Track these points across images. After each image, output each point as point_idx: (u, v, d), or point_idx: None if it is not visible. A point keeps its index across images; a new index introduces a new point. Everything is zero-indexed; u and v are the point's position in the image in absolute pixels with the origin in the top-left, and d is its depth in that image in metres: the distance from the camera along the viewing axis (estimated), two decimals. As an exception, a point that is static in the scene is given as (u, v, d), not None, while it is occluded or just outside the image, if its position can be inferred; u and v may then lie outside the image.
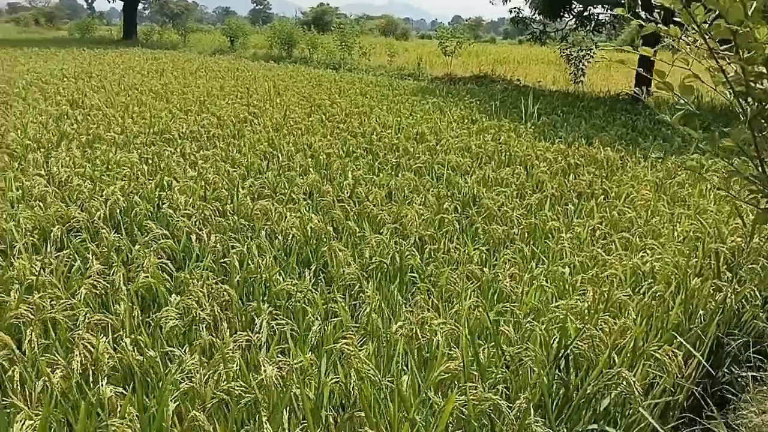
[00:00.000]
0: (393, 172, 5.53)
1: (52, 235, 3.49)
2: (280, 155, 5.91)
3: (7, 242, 3.40)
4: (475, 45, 28.88)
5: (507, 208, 4.42)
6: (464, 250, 3.64)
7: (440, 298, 3.06)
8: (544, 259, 3.61)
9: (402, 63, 19.10)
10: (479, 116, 8.92)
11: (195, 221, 3.91)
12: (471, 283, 3.14)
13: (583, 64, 13.98)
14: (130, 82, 11.42)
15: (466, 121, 8.59)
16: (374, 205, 4.37)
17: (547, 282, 3.07)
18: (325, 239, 3.78)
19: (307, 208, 4.38)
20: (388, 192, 4.91)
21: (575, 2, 13.71)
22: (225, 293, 2.98)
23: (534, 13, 14.29)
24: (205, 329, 2.68)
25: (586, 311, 2.69)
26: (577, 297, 2.87)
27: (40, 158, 5.24)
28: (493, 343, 2.43)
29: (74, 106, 8.40)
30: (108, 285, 2.96)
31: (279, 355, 2.38)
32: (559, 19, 14.23)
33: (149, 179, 4.83)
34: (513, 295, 2.96)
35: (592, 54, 13.93)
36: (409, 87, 13.14)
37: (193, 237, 3.60)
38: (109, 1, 31.23)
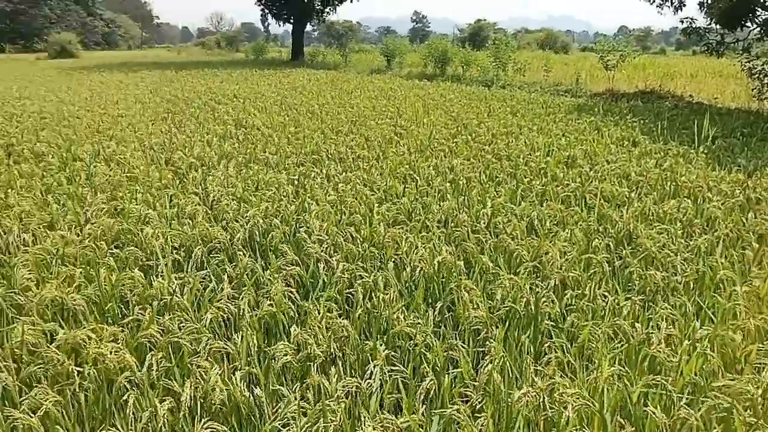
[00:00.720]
0: (537, 201, 5.13)
1: (194, 254, 3.67)
2: (419, 179, 5.79)
3: (153, 259, 3.63)
4: (642, 57, 26.79)
5: (669, 250, 3.84)
6: (613, 299, 3.19)
7: (578, 356, 2.68)
8: (711, 317, 3.04)
9: (559, 78, 18.23)
10: (642, 138, 8.10)
11: (326, 247, 3.90)
12: (617, 343, 2.71)
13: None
14: (290, 102, 12.13)
15: (626, 143, 7.83)
16: (512, 239, 4.05)
17: (712, 349, 2.55)
18: (455, 274, 3.55)
19: (440, 238, 4.18)
20: (530, 223, 4.54)
21: (760, 9, 12.00)
22: (344, 329, 2.89)
23: (710, 23, 12.78)
24: (317, 368, 2.59)
25: (760, 399, 2.15)
26: (751, 376, 2.32)
27: (200, 177, 5.65)
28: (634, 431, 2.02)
29: (238, 125, 9.06)
30: (234, 310, 3.01)
31: (384, 411, 2.19)
32: (739, 29, 12.57)
33: (292, 200, 4.96)
34: (667, 362, 2.49)
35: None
36: (564, 104, 12.44)
37: (322, 264, 3.57)
38: (279, 25, 33.87)
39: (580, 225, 4.47)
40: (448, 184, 5.57)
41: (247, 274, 3.48)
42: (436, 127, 8.92)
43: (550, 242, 4.00)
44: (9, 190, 4.93)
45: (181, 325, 2.82)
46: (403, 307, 3.22)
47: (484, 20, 57.15)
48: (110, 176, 5.51)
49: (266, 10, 33.61)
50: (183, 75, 20.37)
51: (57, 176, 5.50)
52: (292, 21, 33.62)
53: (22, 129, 8.14)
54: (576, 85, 16.30)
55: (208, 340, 2.69)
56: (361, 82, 18.03)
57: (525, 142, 7.56)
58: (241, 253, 3.76)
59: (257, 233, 4.10)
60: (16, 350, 2.56)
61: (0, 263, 3.55)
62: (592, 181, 5.68)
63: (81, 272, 3.32)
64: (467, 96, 13.76)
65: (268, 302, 3.05)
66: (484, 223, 4.50)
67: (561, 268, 3.60)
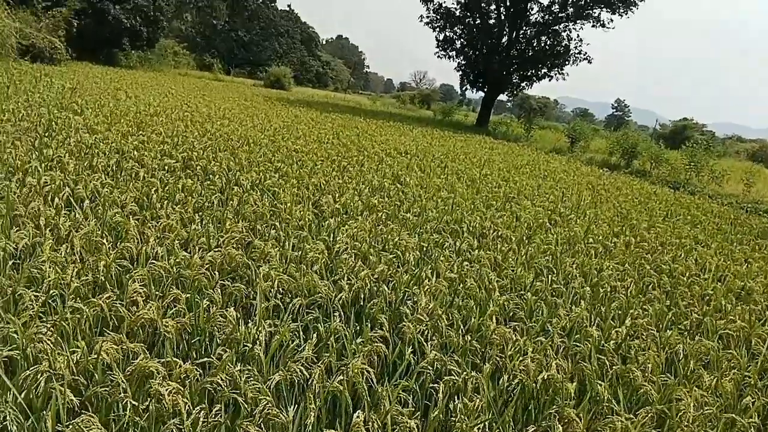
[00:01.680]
0: (688, 333, 4.36)
1: (292, 304, 3.63)
2: (558, 274, 5.29)
3: (257, 298, 3.66)
4: None
5: None
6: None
7: None
8: None
9: (763, 194, 16.09)
10: None
11: (425, 329, 3.64)
12: None
13: None
14: (454, 167, 12.12)
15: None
16: (642, 371, 3.43)
17: None
18: (559, 398, 3.07)
19: (557, 349, 3.70)
20: (671, 357, 3.84)
21: None
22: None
23: None
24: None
25: None
26: None
27: (335, 224, 5.72)
28: None
29: (395, 180, 9.20)
30: (307, 376, 2.87)
31: None
32: None
33: (411, 268, 4.78)
34: None
35: None
36: (760, 225, 10.84)
37: (409, 348, 3.32)
38: (472, 91, 34.74)
39: (734, 373, 3.67)
40: (587, 288, 5.00)
41: (335, 338, 3.34)
42: (598, 221, 8.23)
43: (688, 388, 3.32)
44: (165, 202, 5.41)
45: (249, 378, 2.74)
46: (488, 422, 2.84)
47: (691, 119, 53.10)
48: (257, 207, 5.80)
49: (464, 77, 34.70)
50: (369, 123, 21.59)
51: (212, 196, 5.94)
52: (485, 90, 34.28)
53: (207, 146, 9.05)
54: (783, 205, 14.24)
55: (266, 403, 2.57)
56: (535, 159, 17.57)
57: (695, 260, 6.62)
58: (338, 313, 3.65)
59: (362, 296, 3.97)
60: (90, 366, 2.65)
61: (127, 270, 3.81)
62: (766, 322, 4.72)
63: (186, 298, 3.43)
64: (647, 195, 12.66)
65: (341, 377, 2.87)
66: (614, 344, 3.91)
67: (693, 424, 2.95)
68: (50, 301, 3.22)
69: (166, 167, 7.14)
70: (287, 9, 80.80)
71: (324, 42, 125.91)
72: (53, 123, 8.63)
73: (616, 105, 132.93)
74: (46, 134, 7.66)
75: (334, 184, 7.94)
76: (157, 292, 3.55)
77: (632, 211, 9.73)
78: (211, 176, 7.03)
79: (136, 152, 7.56)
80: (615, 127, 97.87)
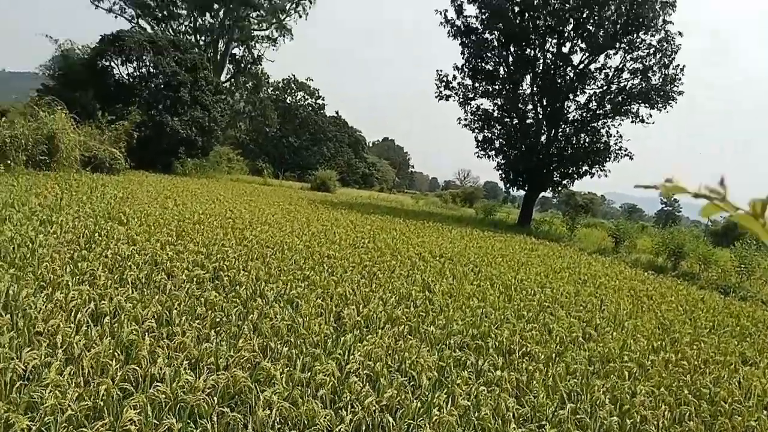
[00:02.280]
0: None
1: (288, 435, 3.50)
2: (585, 399, 4.96)
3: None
4: None
5: None
6: None
7: None
8: None
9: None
10: None
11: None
12: None
13: None
14: (487, 272, 11.94)
15: None
16: None
17: None
18: None
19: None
20: None
21: None
22: None
23: None
24: None
25: None
26: None
27: (351, 340, 5.62)
28: None
29: (425, 288, 9.09)
30: None
31: None
32: None
33: (425, 393, 4.59)
34: None
35: None
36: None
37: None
38: (513, 190, 34.91)
39: None
40: (615, 418, 4.65)
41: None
42: (636, 335, 7.81)
43: None
44: (185, 317, 5.47)
45: None
46: None
47: (744, 214, 51.20)
48: (275, 322, 5.79)
49: (504, 176, 35.09)
50: (408, 224, 21.83)
51: (233, 310, 5.98)
52: (526, 189, 34.45)
53: (241, 254, 9.26)
54: None
55: None
56: (577, 261, 17.16)
57: (740, 382, 6.11)
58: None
59: (363, 428, 3.80)
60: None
61: (129, 394, 3.80)
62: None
63: (179, 428, 3.37)
64: (693, 302, 12.04)
65: None
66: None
67: None
68: (43, 428, 3.20)
69: (195, 278, 7.29)
70: (335, 115, 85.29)
71: (370, 144, 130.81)
72: (96, 234, 9.06)
73: (665, 201, 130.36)
74: (86, 246, 8.02)
75: (361, 293, 7.90)
76: (153, 421, 3.49)
77: (675, 322, 9.22)
78: (237, 287, 7.12)
79: (169, 263, 7.79)
80: (664, 223, 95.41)
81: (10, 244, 7.19)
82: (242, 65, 55.92)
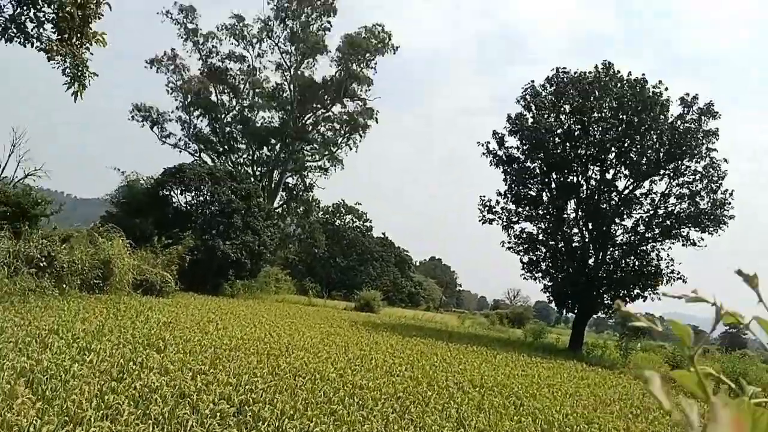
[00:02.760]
0: None
1: None
2: None
3: None
4: None
5: None
6: None
7: None
8: None
9: None
10: None
11: None
12: None
13: None
14: (530, 405, 11.29)
15: None
16: None
17: None
18: None
19: None
20: None
21: None
22: None
23: None
24: None
25: None
26: None
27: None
28: None
29: (460, 425, 8.65)
30: None
31: None
32: None
33: None
34: None
35: None
36: None
37: None
38: (563, 313, 33.83)
39: None
40: None
41: None
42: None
43: None
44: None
45: None
46: None
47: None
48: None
49: (552, 298, 34.26)
50: (450, 348, 21.28)
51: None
52: (575, 312, 33.39)
53: (270, 385, 9.14)
54: None
55: None
56: (630, 392, 16.03)
57: None
58: None
59: None
60: None
61: None
62: None
63: None
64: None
65: None
66: None
67: None
68: None
69: (220, 413, 7.20)
70: (382, 236, 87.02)
71: (417, 263, 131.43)
72: (131, 362, 9.19)
73: (728, 325, 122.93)
74: (118, 376, 8.12)
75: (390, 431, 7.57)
76: None
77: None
78: (260, 424, 6.97)
79: (196, 395, 7.75)
80: (728, 347, 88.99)
81: (44, 374, 7.36)
82: (294, 192, 58.75)
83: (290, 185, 58.80)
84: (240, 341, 13.88)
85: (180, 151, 55.60)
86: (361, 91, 59.01)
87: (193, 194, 35.85)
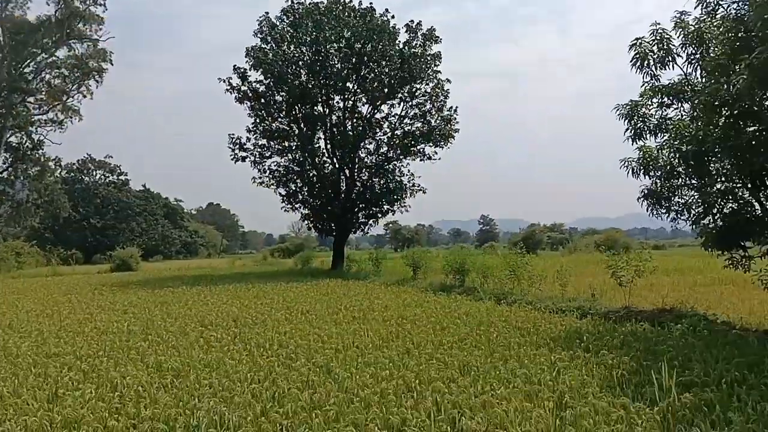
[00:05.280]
0: None
1: None
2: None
3: None
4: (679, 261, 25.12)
5: None
6: None
7: None
8: None
9: (580, 291, 16.77)
10: (594, 390, 6.58)
11: None
12: None
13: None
14: (252, 333, 11.45)
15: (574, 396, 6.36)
16: None
17: None
18: None
19: None
20: None
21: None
22: None
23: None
24: None
25: None
26: None
27: None
28: None
29: (161, 371, 8.36)
30: None
31: None
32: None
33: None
34: None
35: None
36: (555, 329, 11.03)
37: None
38: (322, 237, 35.31)
39: None
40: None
41: None
42: (366, 371, 7.78)
43: None
44: None
45: None
46: None
47: (537, 224, 57.51)
48: None
49: (312, 226, 35.44)
50: (211, 290, 20.86)
51: None
52: (334, 234, 35.11)
53: None
54: (592, 300, 14.86)
55: None
56: (371, 293, 17.34)
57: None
58: None
59: None
60: None
61: None
62: None
63: None
64: (461, 317, 12.68)
65: None
66: None
67: None
68: None
69: None
70: (143, 188, 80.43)
71: (193, 212, 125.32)
72: None
73: (482, 221, 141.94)
74: None
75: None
76: None
77: (423, 343, 9.51)
78: None
79: None
80: (484, 242, 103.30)
81: None
82: (21, 152, 50.53)
83: (14, 144, 50.41)
84: None
85: None
86: (90, 31, 51.89)
87: None
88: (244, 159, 35.13)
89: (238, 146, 35.10)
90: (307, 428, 5.35)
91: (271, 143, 35.07)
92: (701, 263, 25.17)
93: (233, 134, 35.20)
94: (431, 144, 34.36)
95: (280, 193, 35.25)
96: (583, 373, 7.36)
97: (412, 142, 34.22)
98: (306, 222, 35.36)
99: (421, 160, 34.75)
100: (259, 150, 35.22)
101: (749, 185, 10.15)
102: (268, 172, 34.94)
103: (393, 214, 35.42)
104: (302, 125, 34.28)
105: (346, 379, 6.99)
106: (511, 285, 17.95)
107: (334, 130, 34.72)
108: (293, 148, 34.81)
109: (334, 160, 35.07)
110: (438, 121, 34.36)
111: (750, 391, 6.33)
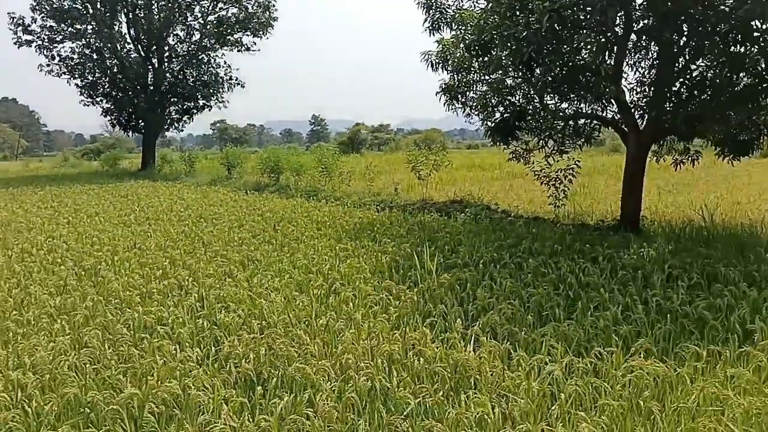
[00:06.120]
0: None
1: None
2: None
3: None
4: (470, 157, 27.30)
5: None
6: None
7: None
8: None
9: (390, 185, 17.44)
10: (367, 276, 6.93)
11: None
12: None
13: (564, 184, 11.85)
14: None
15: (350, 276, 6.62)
16: None
17: None
18: None
19: None
20: None
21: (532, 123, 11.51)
22: None
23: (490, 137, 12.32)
24: None
25: None
26: None
27: None
28: None
29: None
30: None
31: None
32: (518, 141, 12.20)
33: None
34: None
35: (573, 172, 11.81)
36: (352, 221, 11.39)
37: None
38: (127, 134, 32.27)
39: None
40: None
41: None
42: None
43: None
44: None
45: None
46: None
47: (362, 123, 58.41)
48: None
49: (114, 121, 32.02)
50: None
51: None
52: (143, 132, 32.21)
53: None
54: (394, 194, 15.58)
55: None
56: (180, 194, 16.42)
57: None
58: None
59: None
60: None
61: None
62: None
63: None
64: (267, 213, 12.51)
65: None
66: None
67: None
68: None
69: None
70: None
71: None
72: None
73: (313, 121, 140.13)
74: None
75: None
76: None
77: (213, 241, 9.22)
78: None
79: None
80: (314, 140, 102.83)
81: None
82: None
83: None
84: None
85: None
86: None
87: None
88: (29, 44, 30.12)
89: (21, 28, 29.90)
90: (46, 334, 4.89)
91: (62, 26, 30.28)
92: (501, 159, 27.54)
93: (14, 13, 29.82)
94: (249, 33, 32.15)
95: (76, 85, 31.11)
96: (361, 261, 7.68)
97: (228, 30, 31.68)
98: (109, 118, 31.75)
99: (239, 51, 32.55)
100: (47, 33, 30.33)
101: (522, 76, 10.79)
102: (58, 59, 30.41)
103: (210, 110, 33.24)
104: (98, 5, 29.89)
105: (111, 281, 6.51)
106: (323, 182, 18.10)
107: (138, 12, 30.85)
108: (89, 31, 30.45)
109: (139, 48, 31.45)
110: (255, 7, 31.84)
111: (502, 270, 7.07)
